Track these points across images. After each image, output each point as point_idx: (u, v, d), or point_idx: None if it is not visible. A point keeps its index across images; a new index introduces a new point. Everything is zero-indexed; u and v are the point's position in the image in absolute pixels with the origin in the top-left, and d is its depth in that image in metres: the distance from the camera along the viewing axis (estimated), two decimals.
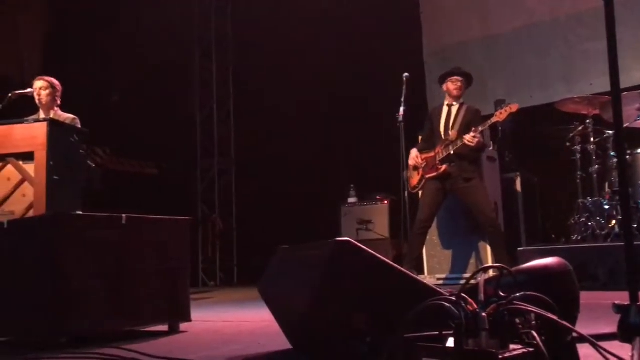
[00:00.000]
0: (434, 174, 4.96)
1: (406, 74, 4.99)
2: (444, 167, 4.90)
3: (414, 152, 5.13)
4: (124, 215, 2.77)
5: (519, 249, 4.74)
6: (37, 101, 4.56)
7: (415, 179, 5.13)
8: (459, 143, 4.83)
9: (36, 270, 2.60)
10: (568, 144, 5.22)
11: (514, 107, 4.72)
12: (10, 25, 7.37)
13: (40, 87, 4.56)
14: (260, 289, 2.39)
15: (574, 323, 1.66)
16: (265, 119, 8.05)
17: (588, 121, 4.97)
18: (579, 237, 4.77)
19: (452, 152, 4.87)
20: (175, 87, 8.29)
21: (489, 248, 5.16)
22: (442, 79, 5.14)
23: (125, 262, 2.75)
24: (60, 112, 4.62)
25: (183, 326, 2.97)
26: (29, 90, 4.52)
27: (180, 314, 2.97)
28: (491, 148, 5.69)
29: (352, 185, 6.91)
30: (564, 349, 1.44)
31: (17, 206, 3.79)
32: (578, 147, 5.13)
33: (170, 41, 8.04)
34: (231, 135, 9.10)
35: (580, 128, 5.12)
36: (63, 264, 2.55)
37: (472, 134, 4.72)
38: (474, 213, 4.94)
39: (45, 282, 2.56)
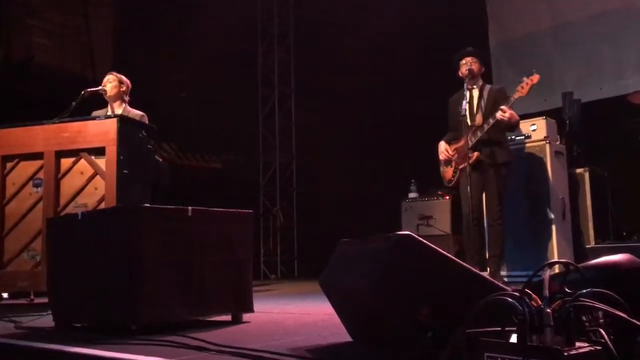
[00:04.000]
0: (466, 162, 4.55)
1: (471, 67, 4.87)
2: (475, 154, 4.56)
3: (442, 145, 4.90)
4: (190, 207, 2.84)
5: (588, 246, 4.58)
6: (105, 96, 4.74)
7: (449, 172, 4.90)
8: (486, 127, 4.55)
9: (109, 260, 2.71)
10: None
11: (535, 79, 4.42)
12: (82, 25, 7.69)
13: (107, 80, 4.76)
14: (321, 282, 2.40)
15: None
16: (326, 113, 8.08)
17: None
18: None
19: (479, 137, 4.58)
20: (237, 82, 8.44)
21: (555, 243, 4.99)
22: (456, 68, 4.85)
23: (191, 253, 2.81)
24: (129, 109, 4.78)
25: (246, 317, 3.02)
26: (100, 87, 4.72)
27: (243, 304, 3.02)
28: (558, 142, 5.50)
29: (412, 180, 6.82)
30: (635, 349, 1.39)
31: (89, 198, 3.98)
32: None
33: (233, 36, 8.19)
34: (292, 130, 9.20)
35: None
36: (134, 254, 2.65)
37: (502, 109, 4.43)
38: (486, 201, 4.69)
39: (118, 272, 2.67)
